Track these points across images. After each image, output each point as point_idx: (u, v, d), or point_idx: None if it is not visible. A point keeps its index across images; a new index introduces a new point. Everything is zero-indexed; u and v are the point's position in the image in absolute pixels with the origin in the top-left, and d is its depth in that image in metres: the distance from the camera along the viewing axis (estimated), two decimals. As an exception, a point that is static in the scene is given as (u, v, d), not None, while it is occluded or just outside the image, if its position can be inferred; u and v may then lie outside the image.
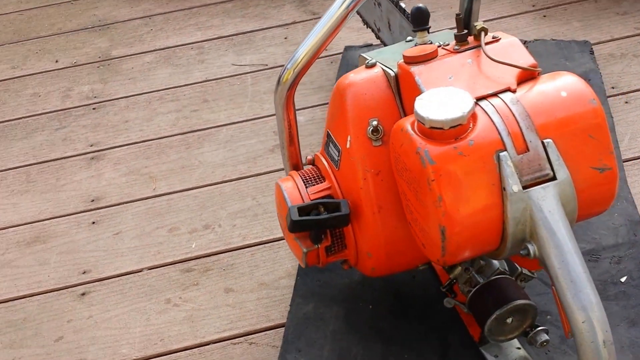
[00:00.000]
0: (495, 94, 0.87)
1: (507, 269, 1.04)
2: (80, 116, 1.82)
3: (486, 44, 0.93)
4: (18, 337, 1.27)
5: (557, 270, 0.81)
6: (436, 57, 0.93)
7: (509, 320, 0.98)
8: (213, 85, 1.84)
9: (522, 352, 1.06)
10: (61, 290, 1.35)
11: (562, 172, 0.83)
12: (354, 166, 0.98)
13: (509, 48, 0.93)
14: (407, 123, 0.87)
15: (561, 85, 0.87)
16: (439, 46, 0.96)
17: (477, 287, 1.01)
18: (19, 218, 1.53)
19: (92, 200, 1.55)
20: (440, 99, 0.84)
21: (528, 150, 0.84)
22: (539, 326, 1.00)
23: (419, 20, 1.02)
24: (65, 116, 1.82)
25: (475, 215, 0.83)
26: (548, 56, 1.65)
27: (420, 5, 1.02)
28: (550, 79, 0.89)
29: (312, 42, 1.00)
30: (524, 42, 1.67)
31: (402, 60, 0.94)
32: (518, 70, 0.89)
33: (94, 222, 1.49)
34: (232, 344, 1.21)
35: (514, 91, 0.88)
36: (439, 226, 0.83)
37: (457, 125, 0.82)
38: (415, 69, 0.92)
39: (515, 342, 1.08)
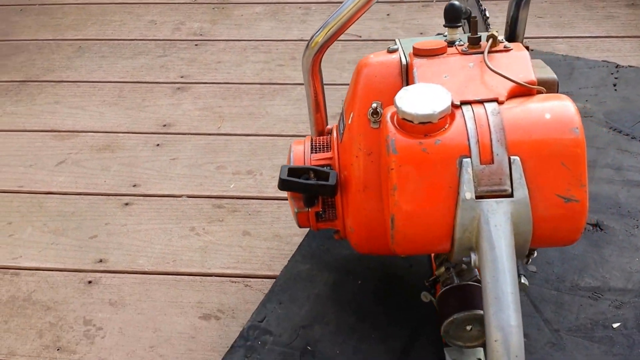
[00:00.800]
0: (481, 102, 0.87)
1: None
2: (182, 49, 1.98)
3: (494, 51, 0.93)
4: (62, 227, 1.45)
5: (486, 284, 0.81)
6: (442, 54, 0.94)
7: (469, 327, 0.99)
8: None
9: (482, 364, 1.06)
10: (110, 196, 1.52)
11: (520, 192, 0.83)
12: (351, 142, 1.02)
13: (515, 60, 0.92)
14: (390, 111, 0.89)
15: (549, 107, 0.85)
16: (454, 44, 0.96)
17: (448, 286, 1.02)
18: (100, 126, 1.72)
19: (164, 125, 1.70)
20: (422, 95, 0.86)
21: (492, 162, 0.83)
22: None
23: (451, 16, 1.02)
24: (169, 46, 1.99)
25: (425, 213, 0.85)
26: (636, 86, 1.55)
27: (455, 2, 1.02)
28: (542, 99, 0.87)
29: (346, 10, 1.03)
30: (616, 66, 1.59)
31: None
32: (513, 83, 0.88)
33: (158, 145, 1.65)
34: (230, 281, 1.31)
35: (500, 102, 0.87)
36: (390, 214, 0.86)
37: (428, 122, 0.84)
38: (417, 62, 0.94)
39: (480, 353, 1.08)
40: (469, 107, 0.87)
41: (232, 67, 1.87)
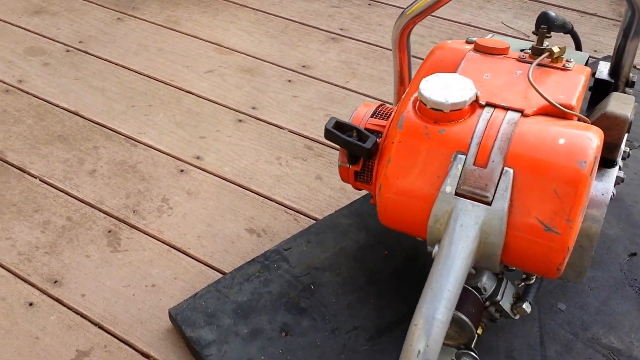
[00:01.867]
0: (505, 108, 0.87)
1: (490, 289, 1.02)
2: (355, 5, 2.09)
3: (550, 66, 0.91)
4: (185, 121, 1.69)
5: (431, 275, 0.83)
6: (500, 54, 0.94)
7: None
8: (468, 30, 1.92)
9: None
10: (231, 110, 1.71)
11: (499, 203, 0.83)
12: (398, 113, 1.06)
13: (566, 81, 0.89)
14: (417, 92, 0.92)
15: (568, 134, 0.83)
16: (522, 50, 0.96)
17: None
18: (253, 51, 1.92)
19: (303, 66, 1.84)
20: (448, 84, 0.88)
21: (486, 167, 0.84)
22: (470, 352, 1.01)
23: (542, 24, 1.01)
24: (345, 0, 2.11)
25: (409, 192, 0.88)
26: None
27: (550, 12, 1.01)
28: (569, 125, 0.85)
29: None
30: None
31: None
32: (552, 101, 0.86)
33: (289, 80, 1.79)
34: (285, 211, 1.43)
35: (525, 115, 0.86)
36: (379, 183, 0.91)
37: (439, 110, 0.86)
38: (470, 55, 0.95)
39: (453, 353, 1.09)
40: (491, 109, 0.88)
41: (388, 32, 1.94)
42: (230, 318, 1.17)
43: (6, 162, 1.60)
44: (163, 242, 1.37)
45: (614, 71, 1.09)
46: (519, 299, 1.06)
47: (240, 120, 1.67)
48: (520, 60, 0.94)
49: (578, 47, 1.13)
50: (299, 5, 2.13)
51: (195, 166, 1.56)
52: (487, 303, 1.04)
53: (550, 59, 0.93)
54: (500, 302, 1.04)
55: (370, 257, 1.27)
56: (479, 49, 0.96)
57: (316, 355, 1.11)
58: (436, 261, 0.84)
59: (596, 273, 1.22)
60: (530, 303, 1.05)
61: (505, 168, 0.83)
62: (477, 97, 0.89)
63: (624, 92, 1.13)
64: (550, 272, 0.86)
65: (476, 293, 1.02)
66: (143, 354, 1.17)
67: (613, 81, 1.11)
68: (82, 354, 1.18)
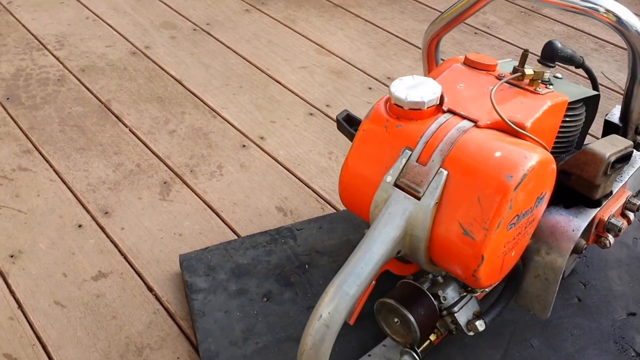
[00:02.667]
0: (462, 116, 0.91)
1: (450, 300, 1.04)
2: (468, 34, 2.12)
3: (523, 87, 0.93)
4: (259, 104, 1.83)
5: (352, 254, 0.89)
6: (483, 70, 0.97)
7: (396, 320, 1.05)
8: (564, 72, 1.89)
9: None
10: (304, 103, 1.83)
11: (427, 200, 0.86)
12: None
13: (530, 103, 0.90)
14: (396, 88, 0.98)
15: (506, 149, 0.84)
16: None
17: (410, 281, 1.07)
18: (348, 57, 2.02)
19: (388, 78, 1.92)
20: (417, 86, 0.93)
21: (425, 165, 0.88)
22: (412, 352, 1.05)
23: (545, 53, 1.02)
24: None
25: (361, 176, 0.94)
26: None
27: (555, 41, 1.01)
28: (514, 142, 0.86)
29: (459, 5, 1.10)
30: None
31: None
32: (504, 117, 0.88)
33: (370, 88, 1.88)
34: (316, 199, 1.52)
35: (477, 126, 0.89)
36: (342, 165, 0.98)
37: (400, 107, 0.92)
38: (456, 66, 0.99)
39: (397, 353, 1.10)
40: (450, 115, 0.92)
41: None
42: (226, 274, 1.29)
43: (109, 109, 1.85)
44: (203, 201, 1.53)
45: (623, 116, 1.06)
46: (478, 317, 1.07)
47: (311, 114, 1.79)
48: (498, 77, 0.96)
49: (593, 81, 1.11)
50: (409, 23, 2.20)
51: (256, 144, 1.70)
52: (445, 312, 1.06)
53: (525, 81, 0.94)
54: (455, 314, 1.06)
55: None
56: (467, 62, 0.99)
57: (284, 324, 1.19)
58: (361, 242, 0.89)
59: (585, 322, 1.17)
60: (485, 322, 1.05)
61: (441, 169, 0.87)
62: (442, 102, 0.93)
63: (633, 139, 1.09)
64: (467, 278, 0.88)
65: (432, 299, 1.04)
66: (148, 288, 1.33)
67: (621, 125, 1.08)
68: (101, 274, 1.36)
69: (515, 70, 0.94)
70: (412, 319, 1.01)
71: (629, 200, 1.13)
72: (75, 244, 1.42)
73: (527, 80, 0.93)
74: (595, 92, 1.06)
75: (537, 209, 0.90)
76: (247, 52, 2.09)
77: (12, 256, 1.40)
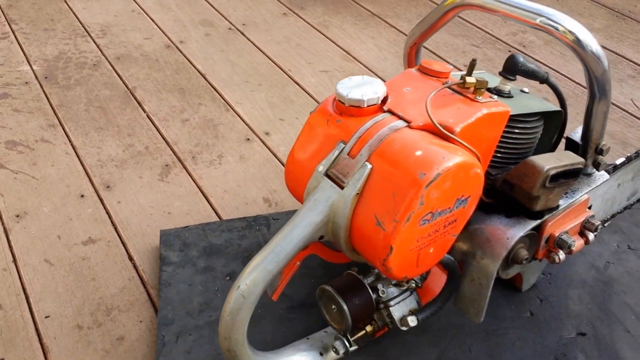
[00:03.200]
0: (399, 117, 0.95)
1: (389, 295, 1.08)
2: (501, 51, 2.13)
3: (466, 96, 0.96)
4: (274, 102, 1.90)
5: (277, 233, 0.95)
6: (433, 76, 1.01)
7: (333, 307, 1.09)
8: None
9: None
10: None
11: (349, 190, 0.91)
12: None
13: (466, 109, 0.93)
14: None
15: (427, 149, 0.88)
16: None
17: (354, 273, 1.11)
18: (372, 64, 2.07)
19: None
20: (362, 85, 0.98)
21: (354, 158, 0.93)
22: (344, 339, 1.09)
23: (506, 67, 1.05)
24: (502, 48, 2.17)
25: (301, 165, 1.00)
26: None
27: (517, 55, 1.04)
28: (438, 143, 0.89)
29: (428, 19, 1.14)
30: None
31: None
32: (433, 119, 0.92)
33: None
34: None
35: (410, 126, 0.93)
36: (289, 153, 1.04)
37: (342, 103, 0.97)
38: (408, 71, 1.03)
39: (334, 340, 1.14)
40: (387, 115, 0.96)
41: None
42: (198, 252, 1.36)
43: (133, 95, 1.97)
44: (197, 185, 1.61)
45: (584, 134, 1.07)
46: (413, 313, 1.10)
47: (318, 114, 1.85)
48: (443, 84, 0.99)
49: (559, 98, 1.11)
50: (443, 37, 2.23)
51: (260, 139, 1.77)
52: (382, 306, 1.10)
53: (470, 89, 0.97)
54: (391, 308, 1.09)
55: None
56: (420, 68, 1.03)
57: None
58: (286, 223, 0.95)
59: (531, 335, 1.18)
60: (417, 319, 1.08)
61: (367, 163, 0.91)
62: (384, 102, 0.98)
63: (594, 158, 1.10)
64: (379, 267, 0.92)
65: (369, 291, 1.08)
66: (129, 257, 1.42)
67: (581, 143, 1.09)
68: (91, 240, 1.46)
69: (461, 78, 0.98)
70: (345, 307, 1.05)
71: (588, 219, 1.14)
72: (74, 212, 1.53)
73: (472, 89, 0.96)
74: (556, 109, 1.08)
75: (459, 210, 0.93)
76: (274, 53, 2.18)
77: (17, 216, 1.52)
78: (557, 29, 0.95)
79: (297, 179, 1.01)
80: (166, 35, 2.31)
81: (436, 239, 0.93)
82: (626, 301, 1.23)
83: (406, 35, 2.26)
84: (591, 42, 0.96)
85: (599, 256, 1.33)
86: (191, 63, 2.13)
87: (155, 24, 2.38)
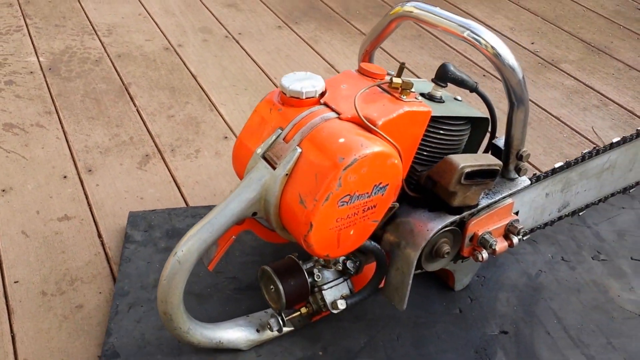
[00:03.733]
0: (332, 109, 1.05)
1: (324, 279, 1.17)
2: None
3: (392, 94, 1.05)
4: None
5: (214, 208, 1.04)
6: (369, 77, 1.11)
7: (271, 287, 1.18)
8: (552, 123, 1.96)
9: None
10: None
11: (279, 170, 1.01)
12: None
13: (390, 106, 1.02)
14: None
15: (350, 137, 0.97)
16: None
17: (294, 257, 1.20)
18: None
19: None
20: (304, 79, 1.08)
21: (287, 142, 1.03)
22: (277, 317, 1.18)
23: (438, 73, 1.15)
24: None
25: (244, 147, 1.10)
26: None
27: (450, 65, 1.14)
28: (362, 134, 0.98)
29: (373, 29, 1.25)
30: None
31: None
32: (362, 114, 1.02)
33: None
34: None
35: (340, 118, 1.03)
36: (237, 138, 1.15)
37: (284, 94, 1.07)
38: (348, 71, 1.13)
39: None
40: (323, 106, 1.06)
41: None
42: (161, 233, 1.46)
43: (127, 90, 2.09)
44: (172, 175, 1.72)
45: (506, 141, 1.16)
46: (344, 298, 1.19)
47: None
48: (375, 83, 1.09)
49: (488, 106, 1.20)
50: (423, 58, 2.33)
51: (236, 137, 1.87)
52: (316, 289, 1.19)
53: (398, 89, 1.06)
54: (324, 292, 1.18)
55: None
56: (359, 69, 1.13)
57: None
58: (224, 199, 1.05)
59: (456, 330, 1.25)
60: (347, 303, 1.17)
61: (297, 147, 1.01)
62: (322, 95, 1.08)
63: (515, 164, 1.18)
64: (302, 244, 1.01)
65: (305, 274, 1.17)
66: (99, 234, 1.52)
67: (503, 149, 1.17)
68: (66, 217, 1.56)
69: (391, 78, 1.08)
70: (281, 287, 1.14)
71: (512, 223, 1.22)
72: (55, 190, 1.65)
73: (399, 89, 1.06)
74: (483, 115, 1.17)
75: (377, 197, 1.02)
76: (264, 62, 2.29)
77: (3, 190, 1.64)
78: (479, 42, 1.04)
79: (240, 161, 1.11)
80: (166, 38, 2.44)
81: (356, 222, 1.02)
82: (551, 306, 1.31)
83: (389, 54, 2.37)
84: (508, 55, 1.05)
85: (532, 264, 1.41)
86: (185, 65, 2.25)
87: (158, 27, 2.51)
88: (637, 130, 1.38)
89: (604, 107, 2.05)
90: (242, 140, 1.12)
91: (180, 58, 2.30)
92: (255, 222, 1.10)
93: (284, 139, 1.04)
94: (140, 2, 2.72)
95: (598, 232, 1.49)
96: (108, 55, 2.30)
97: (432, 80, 1.16)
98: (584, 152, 1.30)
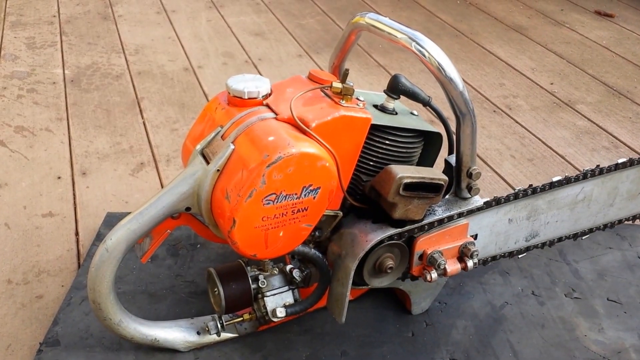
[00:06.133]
0: (271, 110, 1.05)
1: (268, 286, 1.16)
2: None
3: (333, 99, 1.05)
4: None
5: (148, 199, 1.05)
6: (317, 83, 1.11)
7: (215, 290, 1.18)
8: (539, 148, 1.91)
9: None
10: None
11: (211, 166, 1.01)
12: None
13: (327, 109, 1.02)
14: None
15: (279, 135, 0.97)
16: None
17: (243, 262, 1.19)
18: None
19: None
20: (249, 81, 1.09)
21: (223, 139, 1.04)
22: (216, 320, 1.18)
23: (390, 85, 1.14)
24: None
25: (190, 143, 1.12)
26: None
27: (400, 76, 1.13)
28: (292, 134, 0.98)
29: (338, 40, 1.26)
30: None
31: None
32: (297, 116, 1.02)
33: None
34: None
35: (277, 119, 1.03)
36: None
37: (228, 93, 1.09)
38: (298, 76, 1.15)
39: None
40: (264, 107, 1.07)
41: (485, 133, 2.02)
42: (133, 234, 1.48)
43: (139, 104, 2.16)
44: (161, 183, 1.75)
45: (456, 158, 1.13)
46: (285, 307, 1.17)
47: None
48: (322, 89, 1.09)
49: (442, 120, 1.18)
50: (436, 91, 2.31)
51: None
52: (260, 295, 1.17)
53: (336, 93, 1.05)
54: (266, 298, 1.17)
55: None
56: (309, 75, 1.13)
57: (149, 281, 1.35)
58: (157, 192, 1.06)
59: (404, 353, 1.21)
60: (286, 312, 1.15)
61: (231, 144, 1.02)
62: (267, 97, 1.09)
63: (467, 182, 1.15)
64: (228, 239, 1.00)
65: (249, 280, 1.16)
66: (76, 232, 1.56)
67: (454, 166, 1.14)
68: (50, 214, 1.61)
69: (333, 84, 1.07)
70: (222, 290, 1.14)
71: (466, 244, 1.18)
72: (46, 189, 1.70)
73: (341, 94, 1.05)
74: (434, 130, 1.15)
75: (308, 199, 1.00)
76: (277, 86, 2.32)
77: (-2, 186, 1.70)
78: (424, 54, 1.03)
79: (186, 156, 1.13)
80: (188, 59, 2.51)
81: (285, 223, 1.01)
82: (509, 339, 1.25)
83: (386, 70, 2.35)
84: (449, 68, 1.03)
85: (499, 295, 1.35)
86: (200, 84, 2.31)
87: (183, 50, 2.60)
88: (616, 163, 1.32)
89: (613, 149, 1.98)
90: (189, 137, 1.13)
91: (197, 78, 2.36)
92: (191, 217, 1.10)
93: (222, 137, 1.05)
94: (173, 27, 2.83)
95: (577, 270, 1.42)
96: (129, 72, 2.39)
97: (384, 92, 1.15)
98: (553, 179, 1.25)
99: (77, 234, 1.55)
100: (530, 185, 1.23)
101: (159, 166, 1.82)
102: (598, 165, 1.32)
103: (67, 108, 2.12)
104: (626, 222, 1.45)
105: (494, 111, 2.20)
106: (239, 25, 2.88)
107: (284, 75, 2.41)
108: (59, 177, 1.75)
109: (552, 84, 2.41)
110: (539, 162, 1.90)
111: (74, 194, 1.69)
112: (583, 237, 1.42)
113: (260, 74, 2.39)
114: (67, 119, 2.05)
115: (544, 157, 1.92)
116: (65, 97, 2.18)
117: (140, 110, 2.12)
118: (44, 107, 2.13)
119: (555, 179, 1.26)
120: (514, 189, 1.26)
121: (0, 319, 1.30)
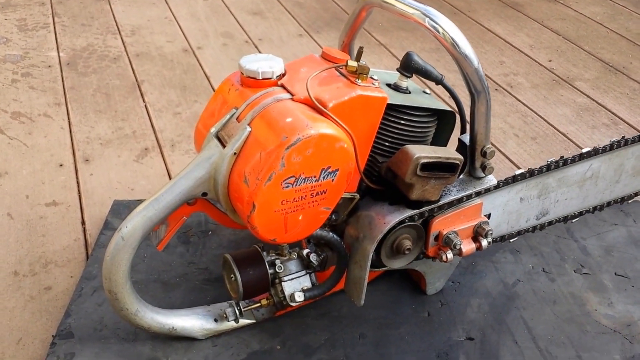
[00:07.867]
0: (287, 90, 1.03)
1: (286, 271, 1.15)
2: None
3: (348, 78, 1.03)
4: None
5: (163, 185, 1.03)
6: (330, 61, 1.08)
7: (232, 276, 1.16)
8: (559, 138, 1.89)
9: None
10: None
11: (228, 149, 0.99)
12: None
13: (344, 89, 1.00)
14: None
15: (297, 117, 0.95)
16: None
17: (260, 247, 1.18)
18: None
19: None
20: (262, 60, 1.07)
21: (239, 122, 1.02)
22: (234, 307, 1.16)
23: (402, 63, 1.12)
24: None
25: (204, 127, 1.09)
26: None
27: (412, 53, 1.11)
28: (310, 115, 0.96)
29: (345, 24, 1.24)
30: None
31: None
32: (314, 96, 0.99)
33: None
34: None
35: (292, 99, 1.01)
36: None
37: (242, 74, 1.07)
38: (311, 55, 1.12)
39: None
40: (279, 88, 1.04)
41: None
42: (141, 221, 1.46)
43: (139, 87, 2.13)
44: (167, 169, 1.73)
45: (470, 137, 1.11)
46: (303, 291, 1.15)
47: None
48: (336, 68, 1.06)
49: (455, 100, 1.16)
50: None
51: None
52: (277, 281, 1.16)
53: (352, 73, 1.03)
54: (284, 283, 1.15)
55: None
56: (322, 54, 1.11)
57: (162, 269, 1.33)
58: (173, 177, 1.04)
59: (421, 333, 1.20)
60: (305, 296, 1.14)
61: (247, 126, 0.99)
62: (281, 77, 1.06)
63: (481, 161, 1.13)
64: (247, 224, 0.98)
65: (266, 266, 1.14)
66: (82, 221, 1.53)
67: (468, 145, 1.12)
68: (54, 203, 1.58)
69: (349, 63, 1.05)
70: (239, 276, 1.12)
71: (480, 224, 1.17)
72: (48, 177, 1.67)
73: (356, 73, 1.03)
74: (447, 109, 1.13)
75: (327, 182, 0.99)
76: (277, 67, 2.29)
77: (-1, 174, 1.68)
78: (438, 30, 1.01)
79: (199, 139, 1.10)
80: (187, 40, 2.47)
81: (304, 207, 0.99)
82: (523, 315, 1.24)
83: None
84: (464, 44, 1.01)
85: (511, 274, 1.34)
86: (201, 66, 2.28)
87: (181, 30, 2.56)
88: (623, 137, 1.31)
89: (613, 126, 1.97)
90: (203, 119, 1.11)
91: (197, 59, 2.33)
92: (207, 203, 1.08)
93: (237, 119, 1.03)
94: (168, 6, 2.78)
95: (585, 247, 1.42)
96: (127, 54, 2.35)
97: (397, 70, 1.13)
98: (562, 157, 1.24)
99: (83, 223, 1.53)
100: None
101: (164, 151, 1.80)
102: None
103: (64, 92, 2.08)
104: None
105: (496, 89, 2.18)
106: (236, 4, 2.83)
107: (285, 55, 2.38)
108: (61, 165, 1.73)
109: (550, 60, 2.39)
110: (541, 140, 1.89)
111: (78, 182, 1.66)
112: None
113: (257, 48, 2.37)
114: (66, 104, 2.02)
115: (547, 136, 1.91)
116: (62, 81, 2.14)
117: (141, 94, 2.09)
118: (41, 91, 2.09)
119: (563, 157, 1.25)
120: (519, 168, 1.25)
121: (9, 312, 1.28)
